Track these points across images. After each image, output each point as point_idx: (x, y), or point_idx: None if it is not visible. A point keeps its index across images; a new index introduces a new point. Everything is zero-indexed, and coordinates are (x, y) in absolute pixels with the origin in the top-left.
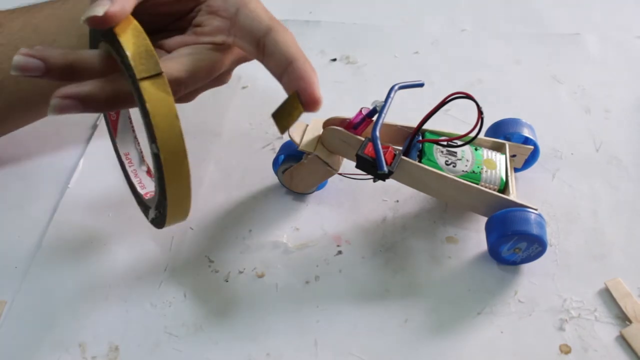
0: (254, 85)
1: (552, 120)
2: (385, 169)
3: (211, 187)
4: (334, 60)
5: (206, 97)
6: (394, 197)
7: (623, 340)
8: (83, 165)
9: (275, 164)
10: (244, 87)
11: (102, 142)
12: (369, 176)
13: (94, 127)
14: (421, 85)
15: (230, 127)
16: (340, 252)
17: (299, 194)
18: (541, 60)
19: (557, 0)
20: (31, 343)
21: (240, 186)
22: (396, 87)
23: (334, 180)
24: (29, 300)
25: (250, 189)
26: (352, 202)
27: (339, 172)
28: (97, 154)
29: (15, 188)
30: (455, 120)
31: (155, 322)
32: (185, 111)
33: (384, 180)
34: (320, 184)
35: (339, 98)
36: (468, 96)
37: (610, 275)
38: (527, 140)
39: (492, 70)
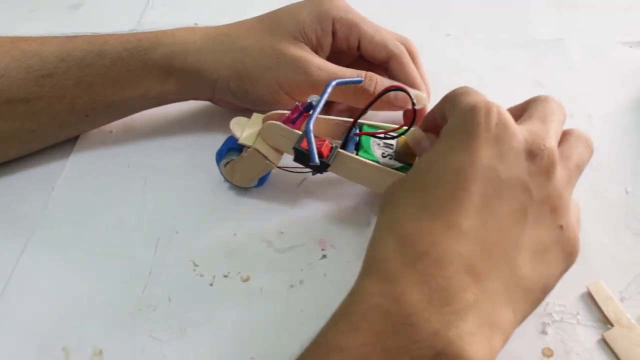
0: None
1: None
2: (317, 160)
3: (196, 191)
4: None
5: (193, 102)
6: (379, 201)
7: (605, 343)
8: (69, 167)
9: (218, 157)
10: None
11: (88, 145)
12: (307, 170)
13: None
14: (360, 81)
15: (216, 131)
16: (325, 256)
17: (282, 197)
18: (524, 66)
19: (540, 7)
20: (14, 348)
21: (225, 190)
22: (333, 83)
23: (318, 185)
24: (13, 305)
25: (235, 192)
26: (337, 206)
27: (279, 165)
28: (83, 158)
29: (0, 191)
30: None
31: (139, 326)
32: (172, 114)
33: (321, 173)
34: (261, 179)
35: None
36: (401, 89)
37: (593, 279)
38: None
39: (476, 75)
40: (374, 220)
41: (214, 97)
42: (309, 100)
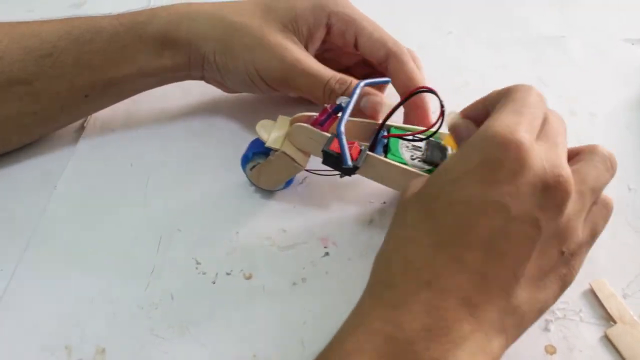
0: None
1: None
2: (350, 163)
3: (199, 189)
4: None
5: (195, 99)
6: (380, 199)
7: (608, 340)
8: (70, 168)
9: (244, 161)
10: None
11: (90, 144)
12: (336, 172)
13: (82, 128)
14: (388, 81)
15: (219, 129)
16: (327, 254)
17: (285, 195)
18: (526, 64)
19: (542, 5)
20: (17, 346)
21: (227, 188)
22: (362, 84)
23: (320, 182)
24: (15, 303)
25: (238, 190)
26: (339, 203)
27: (306, 168)
28: (84, 157)
29: (2, 190)
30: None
31: (142, 324)
32: (173, 113)
33: (349, 176)
34: (287, 181)
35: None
36: (431, 90)
37: (595, 276)
38: None
39: (478, 73)
40: (376, 218)
41: (205, 75)
42: (338, 102)
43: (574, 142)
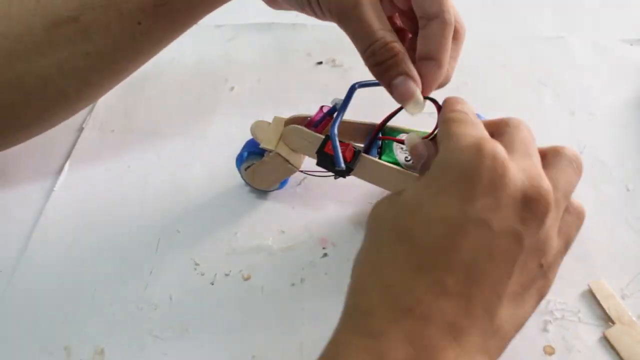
0: (241, 87)
1: (537, 123)
2: (343, 165)
3: (197, 190)
4: (320, 63)
5: (193, 99)
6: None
7: (606, 341)
8: (69, 169)
9: (239, 161)
10: (231, 89)
11: (88, 145)
12: (330, 173)
13: (80, 130)
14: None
15: (217, 130)
16: (326, 255)
17: (284, 196)
18: (526, 63)
19: (542, 4)
20: (16, 347)
21: (226, 189)
22: (356, 86)
23: (318, 183)
24: (14, 304)
25: (237, 191)
26: (337, 204)
27: (300, 169)
28: (83, 157)
29: (0, 190)
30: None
31: (140, 325)
32: (171, 114)
33: (344, 177)
34: (282, 182)
35: (324, 100)
36: (429, 98)
37: (594, 277)
38: None
39: (478, 73)
40: None
41: None
42: (331, 104)
43: (573, 142)
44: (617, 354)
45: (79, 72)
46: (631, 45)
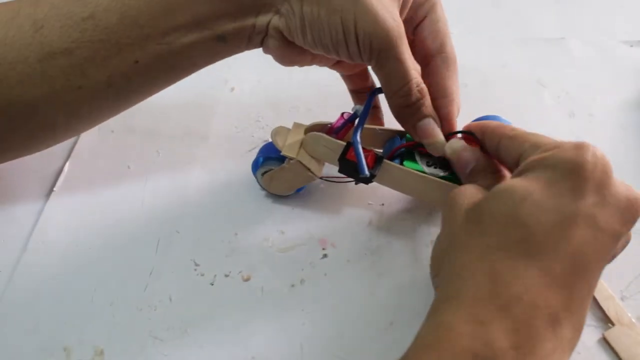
0: (241, 87)
1: (537, 124)
2: (367, 172)
3: (197, 191)
4: None
5: (193, 100)
6: (379, 200)
7: (605, 342)
8: (68, 169)
9: (255, 166)
10: (231, 90)
11: (87, 145)
12: (350, 179)
13: None
14: None
15: (217, 130)
16: (325, 256)
17: (284, 197)
18: (526, 64)
19: (542, 5)
20: (16, 347)
21: (226, 189)
22: (376, 92)
23: (318, 184)
24: (14, 304)
25: (236, 192)
26: (337, 205)
27: (322, 176)
28: (83, 158)
29: (0, 191)
30: None
31: (140, 326)
32: (171, 114)
33: (366, 184)
34: (298, 188)
35: (325, 100)
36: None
37: None
38: None
39: (478, 73)
40: (374, 220)
41: (275, 23)
42: (352, 111)
43: None
44: (617, 355)
45: (69, 105)
46: (631, 46)
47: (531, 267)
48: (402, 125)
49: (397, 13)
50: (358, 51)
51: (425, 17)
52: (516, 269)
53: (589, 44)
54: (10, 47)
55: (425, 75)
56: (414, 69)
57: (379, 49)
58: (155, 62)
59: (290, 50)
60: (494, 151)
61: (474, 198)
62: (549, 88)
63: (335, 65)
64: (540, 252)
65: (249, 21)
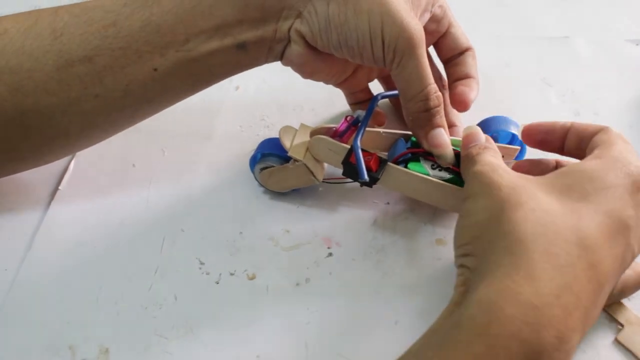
0: (246, 86)
1: None
2: (366, 177)
3: (202, 190)
4: None
5: (197, 98)
6: (384, 199)
7: (619, 344)
8: (74, 168)
9: (253, 162)
10: (236, 88)
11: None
12: (352, 181)
13: None
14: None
15: (221, 129)
16: (330, 254)
17: (289, 195)
18: (531, 63)
19: (547, 4)
20: (21, 346)
21: (231, 188)
22: (379, 97)
23: (324, 183)
24: (19, 303)
25: (241, 191)
26: (342, 204)
27: (325, 178)
28: (89, 156)
29: (5, 190)
30: None
31: (145, 325)
32: (176, 113)
33: (370, 187)
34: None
35: (329, 100)
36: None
37: None
38: (513, 138)
39: (482, 72)
40: (379, 219)
41: (297, 27)
42: (355, 116)
43: None
44: (633, 354)
45: (84, 114)
46: (637, 45)
47: (582, 260)
48: (415, 132)
49: (417, 19)
50: (382, 53)
51: (447, 28)
52: (571, 256)
53: (594, 42)
54: (28, 56)
55: (452, 66)
56: (429, 70)
57: (403, 52)
58: (174, 70)
59: (312, 58)
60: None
61: (505, 167)
62: (554, 87)
63: (344, 83)
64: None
65: (271, 27)
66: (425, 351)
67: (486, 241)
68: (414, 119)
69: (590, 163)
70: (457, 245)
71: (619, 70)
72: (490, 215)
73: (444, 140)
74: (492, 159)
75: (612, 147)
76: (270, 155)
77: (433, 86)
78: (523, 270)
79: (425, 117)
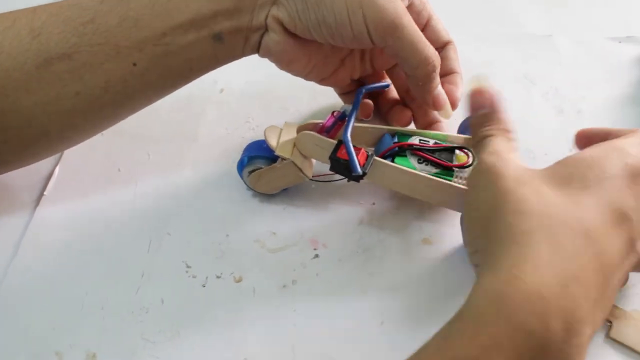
0: (231, 88)
1: (526, 121)
2: (360, 170)
3: (187, 192)
4: None
5: (182, 101)
6: (370, 199)
7: (611, 341)
8: (59, 173)
9: (240, 165)
10: (220, 91)
11: (77, 149)
12: (341, 178)
13: None
14: (387, 86)
15: (207, 132)
16: (317, 256)
17: (275, 197)
18: (514, 61)
19: (528, 2)
20: (7, 353)
21: (216, 191)
22: (363, 90)
23: (309, 184)
24: (4, 309)
25: (227, 193)
26: (328, 205)
27: (312, 176)
28: (73, 161)
29: None
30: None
31: (132, 329)
32: (160, 117)
33: (357, 182)
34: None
35: (313, 100)
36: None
37: None
38: None
39: (465, 70)
40: (365, 219)
41: (274, 13)
42: (341, 110)
43: (561, 140)
44: (628, 347)
45: (64, 113)
46: (619, 42)
47: (588, 250)
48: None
49: None
50: (365, 28)
51: (427, 21)
52: (577, 246)
53: (577, 40)
54: (7, 55)
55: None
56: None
57: (390, 21)
58: (153, 64)
59: (290, 45)
60: None
61: (513, 155)
62: (537, 85)
63: (326, 80)
64: (603, 242)
65: (246, 17)
66: (430, 341)
67: (492, 233)
68: (423, 84)
69: (590, 150)
70: (467, 243)
71: (602, 68)
72: (495, 207)
73: (446, 97)
74: (501, 145)
75: (619, 138)
76: (257, 157)
77: (431, 47)
78: (529, 260)
79: (430, 79)
